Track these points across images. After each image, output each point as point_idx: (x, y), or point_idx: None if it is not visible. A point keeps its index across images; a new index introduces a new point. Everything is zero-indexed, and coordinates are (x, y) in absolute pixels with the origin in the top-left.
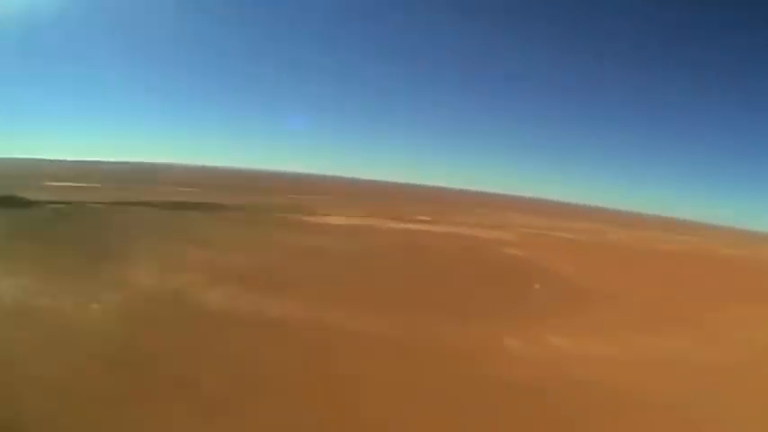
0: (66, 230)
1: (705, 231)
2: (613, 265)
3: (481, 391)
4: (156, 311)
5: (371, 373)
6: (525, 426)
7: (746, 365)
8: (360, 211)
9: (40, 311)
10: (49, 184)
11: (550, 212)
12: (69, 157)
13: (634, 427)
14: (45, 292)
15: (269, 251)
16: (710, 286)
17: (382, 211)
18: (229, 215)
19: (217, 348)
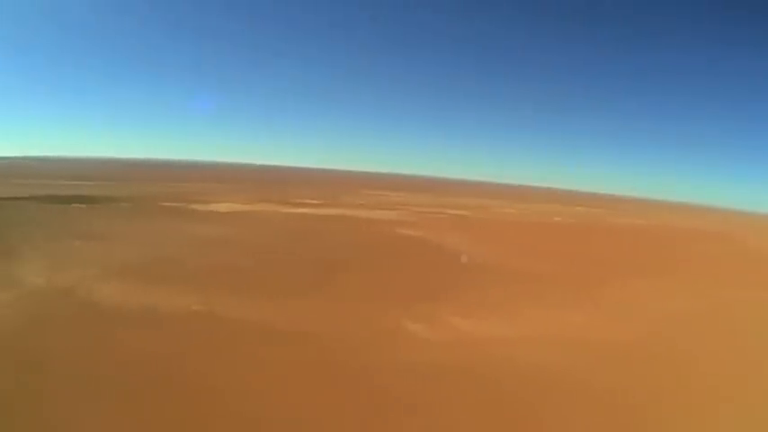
0: None
1: (599, 201)
2: (508, 240)
3: (385, 378)
4: (42, 310)
5: (265, 366)
6: (434, 413)
7: (650, 339)
8: (250, 197)
9: None
10: None
11: (440, 190)
12: None
13: (547, 407)
14: None
15: (157, 243)
16: (608, 258)
17: (272, 195)
18: (116, 206)
19: (107, 344)
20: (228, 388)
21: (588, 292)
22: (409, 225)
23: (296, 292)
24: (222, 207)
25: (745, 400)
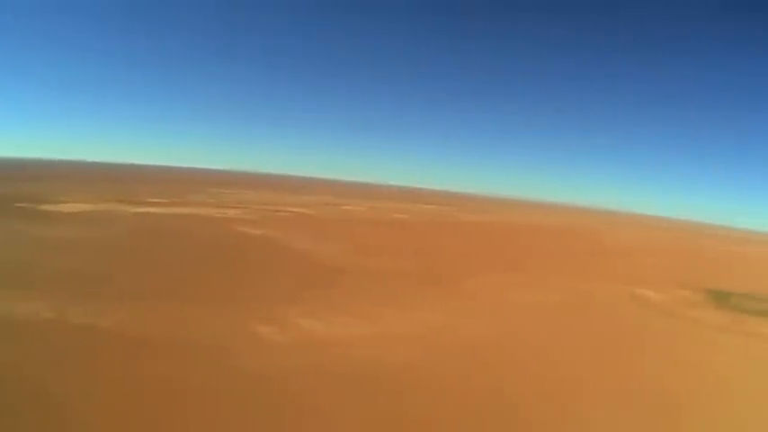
0: None
1: (448, 199)
2: (355, 238)
3: (237, 385)
4: None
5: (113, 375)
6: (283, 421)
7: (506, 336)
8: (99, 197)
9: None
10: None
11: (287, 187)
12: None
13: (412, 408)
14: None
15: (5, 246)
16: (461, 254)
17: (117, 194)
18: None
19: None
20: (74, 399)
21: (443, 288)
22: (255, 224)
23: (145, 295)
24: (71, 207)
25: (599, 391)
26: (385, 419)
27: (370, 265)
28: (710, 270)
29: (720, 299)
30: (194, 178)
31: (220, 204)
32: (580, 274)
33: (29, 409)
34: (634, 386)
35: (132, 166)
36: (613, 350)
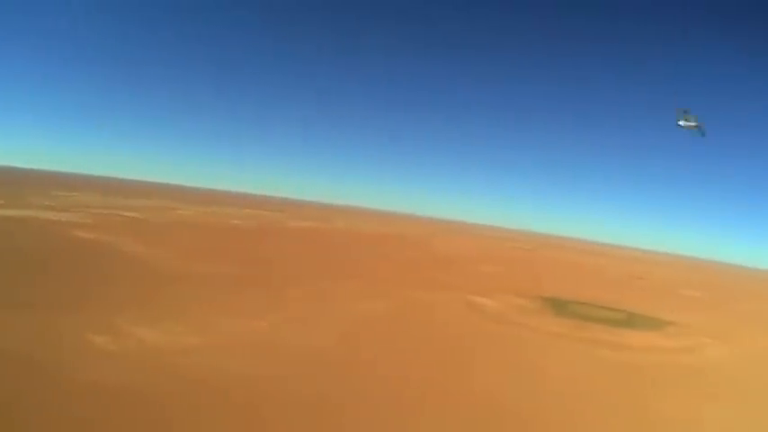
0: None
1: (280, 205)
2: (186, 242)
3: (71, 400)
4: None
5: None
6: None
7: (339, 346)
8: None
9: None
10: None
11: (123, 190)
12: None
13: (248, 422)
14: None
15: None
16: (294, 260)
17: None
18: None
19: None
20: None
21: (277, 296)
22: (90, 228)
23: None
24: None
25: (433, 400)
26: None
27: (201, 270)
28: (548, 279)
29: (558, 307)
30: (39, 180)
31: (58, 207)
32: (415, 281)
33: None
34: (471, 395)
35: None
36: (451, 359)
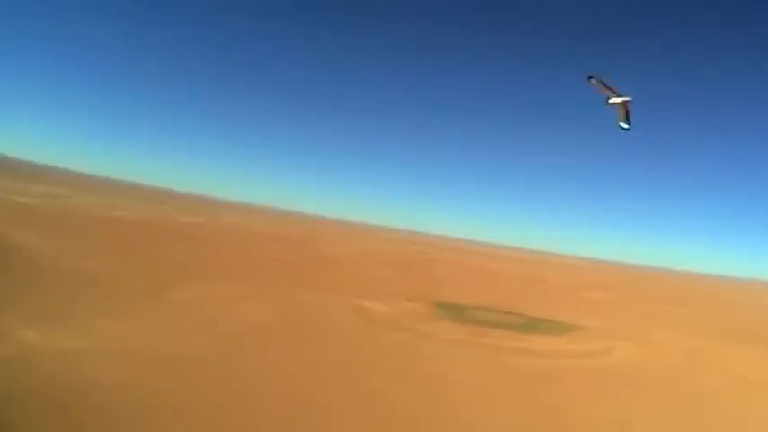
0: None
1: (166, 198)
2: (74, 235)
3: None
4: None
5: None
6: None
7: (222, 352)
8: None
9: None
10: None
11: (26, 175)
12: None
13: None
14: None
15: None
16: (178, 258)
17: None
18: None
19: None
20: None
21: (159, 296)
22: None
23: None
24: None
25: (315, 412)
26: None
27: (84, 266)
28: (442, 282)
29: (452, 311)
30: None
31: None
32: (303, 284)
33: None
34: (367, 406)
35: None
36: (339, 367)
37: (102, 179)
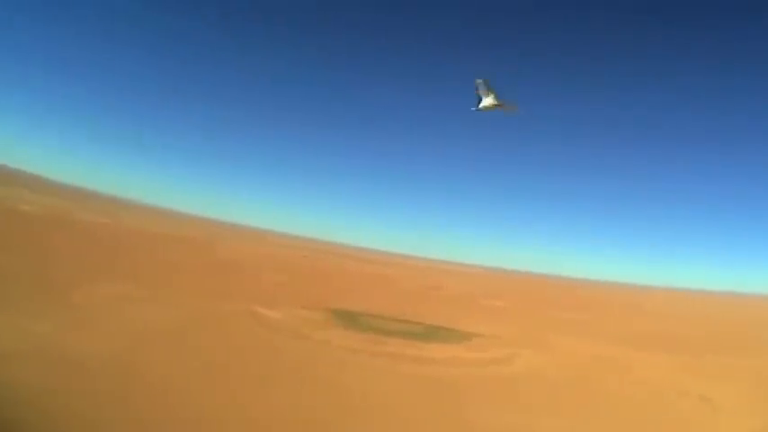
0: None
1: (68, 194)
2: None
3: None
4: None
5: None
6: None
7: (115, 358)
8: None
9: None
10: None
11: None
12: None
13: None
14: None
15: None
16: (73, 258)
17: None
18: None
19: None
20: None
21: (51, 298)
22: None
23: None
24: None
25: (212, 420)
26: None
27: None
28: (335, 290)
29: (348, 319)
30: None
31: None
32: (194, 288)
33: None
34: (264, 411)
35: None
36: (235, 375)
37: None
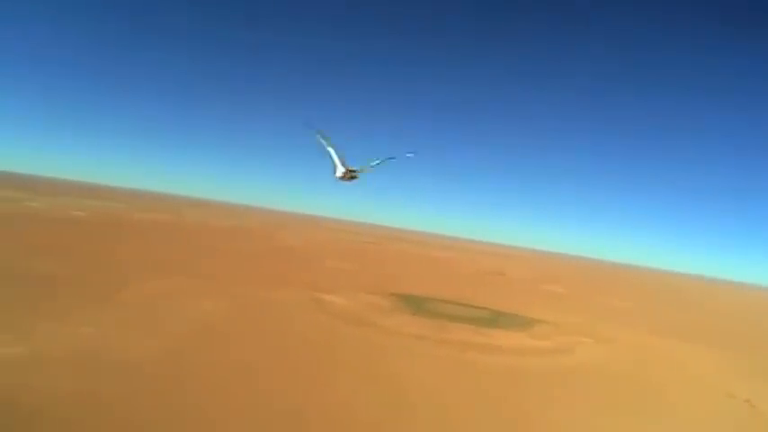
0: None
1: (121, 196)
2: (27, 236)
3: None
4: None
5: None
6: None
7: (170, 355)
8: None
9: None
10: None
11: None
12: None
13: None
14: None
15: None
16: (131, 256)
17: None
18: None
19: None
20: None
21: (104, 296)
22: None
23: None
24: None
25: (271, 418)
26: None
27: (33, 267)
28: (400, 275)
29: (413, 304)
30: None
31: None
32: (257, 278)
33: None
34: (324, 410)
35: None
36: (299, 367)
37: (67, 181)
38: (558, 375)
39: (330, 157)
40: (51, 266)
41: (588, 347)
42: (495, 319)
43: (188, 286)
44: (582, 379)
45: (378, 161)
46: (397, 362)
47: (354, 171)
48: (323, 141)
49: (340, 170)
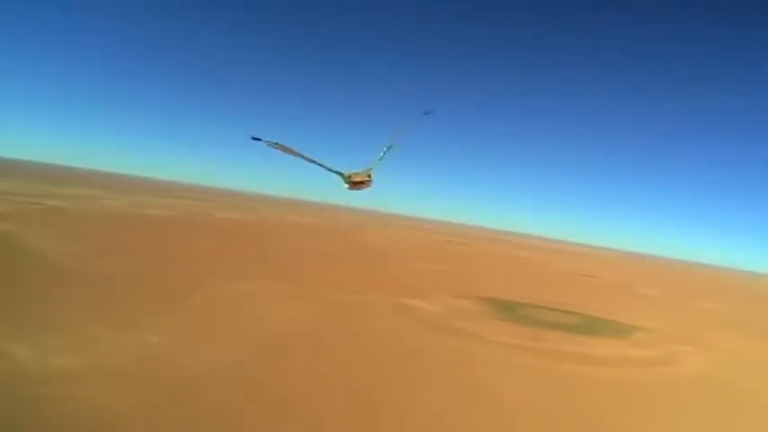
0: None
1: (207, 195)
2: (97, 235)
3: None
4: None
5: None
6: None
7: (241, 368)
8: None
9: None
10: None
11: (51, 177)
12: None
13: None
14: None
15: None
16: (212, 256)
17: None
18: None
19: None
20: None
21: (176, 300)
22: (5, 217)
23: None
24: None
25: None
26: None
27: (105, 269)
28: (487, 276)
29: (503, 309)
30: None
31: None
32: (341, 280)
33: None
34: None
35: None
36: (383, 380)
37: (144, 179)
38: (663, 389)
39: (320, 167)
40: (119, 267)
41: (691, 356)
42: (591, 326)
43: (265, 290)
44: (689, 393)
45: (382, 152)
46: (490, 374)
47: (360, 175)
48: (290, 153)
49: (346, 177)
